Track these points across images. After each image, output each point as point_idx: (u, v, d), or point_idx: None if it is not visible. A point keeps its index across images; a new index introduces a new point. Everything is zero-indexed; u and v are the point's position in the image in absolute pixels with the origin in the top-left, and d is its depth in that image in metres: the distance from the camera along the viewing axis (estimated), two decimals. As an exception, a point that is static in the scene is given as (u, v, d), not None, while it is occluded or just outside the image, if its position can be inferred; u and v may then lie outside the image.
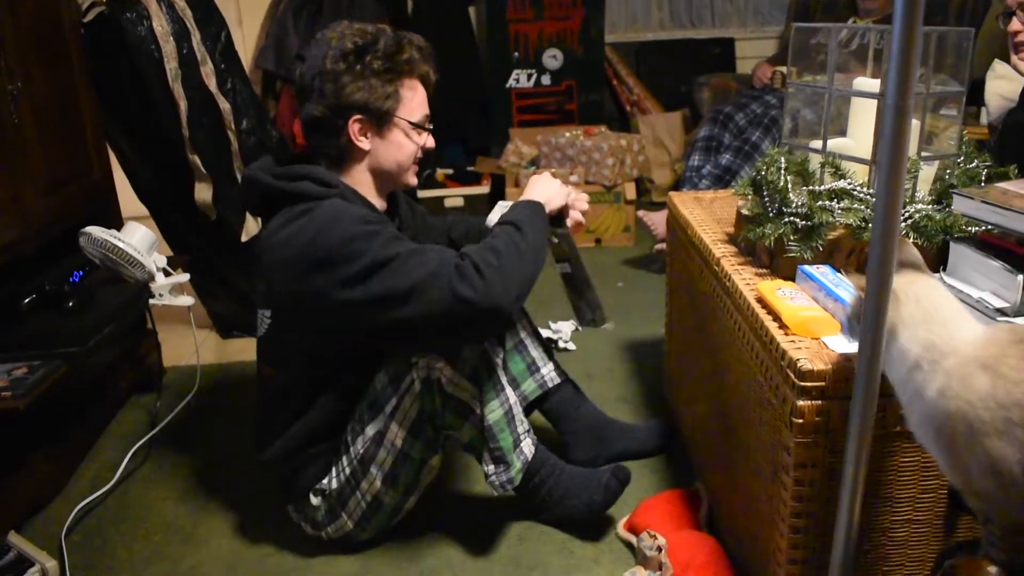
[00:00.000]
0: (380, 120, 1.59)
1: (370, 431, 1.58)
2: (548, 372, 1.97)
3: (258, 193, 1.61)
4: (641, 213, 3.36)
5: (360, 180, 1.64)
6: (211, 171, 2.41)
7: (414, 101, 1.63)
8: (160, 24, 2.27)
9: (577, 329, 2.79)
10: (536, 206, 1.66)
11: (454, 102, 4.26)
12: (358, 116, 1.57)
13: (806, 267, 1.42)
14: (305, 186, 1.56)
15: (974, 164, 1.60)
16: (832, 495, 1.23)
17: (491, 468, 1.65)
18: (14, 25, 1.92)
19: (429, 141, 1.68)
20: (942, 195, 1.52)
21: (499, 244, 1.51)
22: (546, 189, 1.73)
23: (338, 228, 1.48)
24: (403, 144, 1.63)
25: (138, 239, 2.07)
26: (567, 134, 3.89)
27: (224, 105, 2.41)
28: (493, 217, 1.72)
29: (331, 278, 1.47)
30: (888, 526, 1.29)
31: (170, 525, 1.89)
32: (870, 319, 1.00)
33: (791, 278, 1.46)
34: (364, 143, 1.60)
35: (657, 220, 3.21)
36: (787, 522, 1.26)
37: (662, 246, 3.11)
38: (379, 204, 1.67)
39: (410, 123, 1.62)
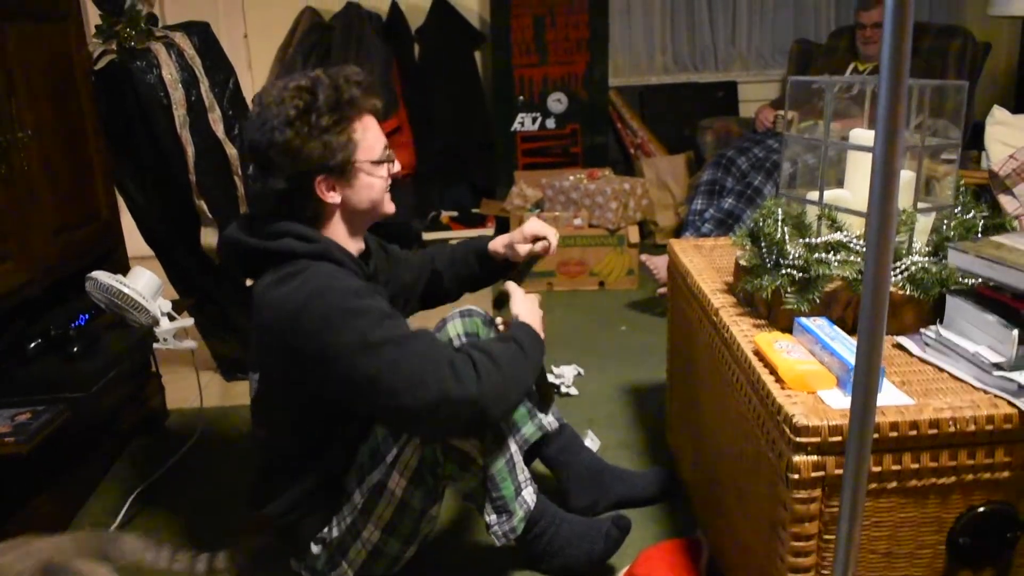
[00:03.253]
0: (343, 171, 1.55)
1: (370, 481, 1.58)
2: (548, 417, 1.97)
3: (239, 255, 1.59)
4: (644, 257, 3.38)
5: (337, 231, 1.61)
6: (217, 216, 2.44)
7: (369, 138, 1.58)
8: (169, 72, 2.31)
9: (579, 374, 2.80)
10: (535, 336, 1.62)
11: (460, 145, 4.32)
12: (321, 176, 1.54)
13: (803, 320, 1.43)
14: (287, 243, 1.53)
15: (971, 215, 1.62)
16: (830, 549, 1.23)
17: (493, 518, 1.65)
18: (25, 73, 1.96)
19: (395, 167, 1.66)
20: (939, 247, 1.54)
21: (499, 352, 1.49)
22: (532, 313, 1.69)
23: (330, 297, 1.45)
24: (372, 183, 1.60)
25: (143, 284, 2.09)
26: (571, 177, 3.92)
27: (231, 151, 2.44)
28: (514, 306, 1.72)
29: (319, 352, 1.45)
30: (886, 582, 1.29)
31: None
32: (862, 374, 1.00)
33: (789, 329, 1.47)
34: (334, 196, 1.57)
35: (660, 264, 3.22)
36: (785, 577, 1.26)
37: (665, 290, 3.13)
38: (356, 248, 1.65)
39: (372, 162, 1.59)
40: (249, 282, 2.54)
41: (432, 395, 1.40)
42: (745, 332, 1.50)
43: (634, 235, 3.77)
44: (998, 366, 1.29)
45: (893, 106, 0.87)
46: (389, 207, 1.67)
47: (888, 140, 0.87)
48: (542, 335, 1.65)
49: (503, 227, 4.05)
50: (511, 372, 1.49)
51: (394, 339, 1.43)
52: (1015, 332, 1.27)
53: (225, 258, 1.68)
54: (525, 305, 1.70)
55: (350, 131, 1.55)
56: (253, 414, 1.70)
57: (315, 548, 1.65)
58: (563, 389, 2.67)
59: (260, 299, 1.54)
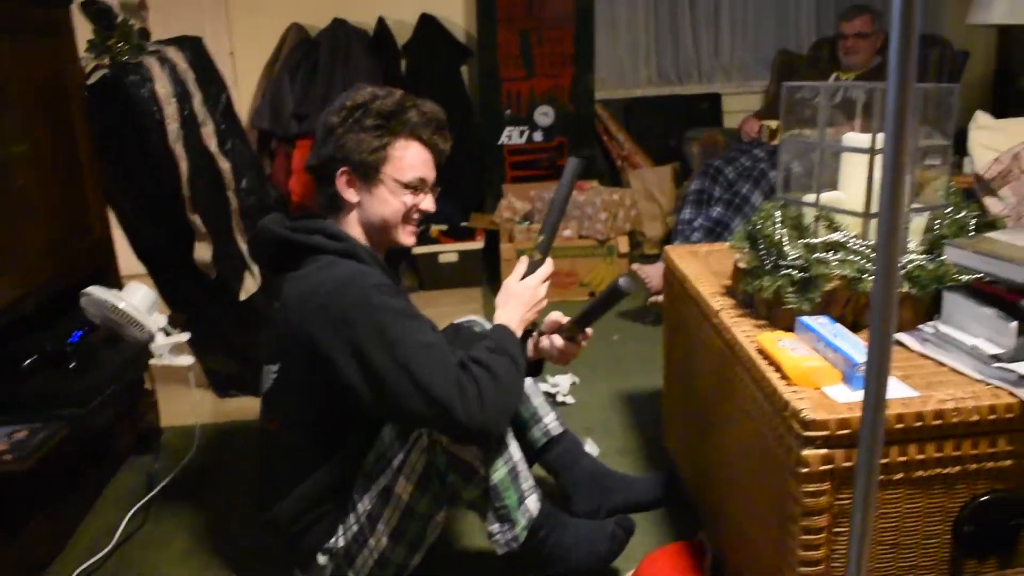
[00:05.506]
0: (366, 174, 1.65)
1: (377, 487, 1.58)
2: (551, 421, 1.99)
3: (272, 244, 1.66)
4: (635, 266, 3.39)
5: (355, 233, 1.69)
6: (211, 230, 2.43)
7: (405, 161, 1.66)
8: (162, 86, 2.31)
9: (575, 383, 2.80)
10: (516, 341, 1.64)
11: (448, 159, 4.32)
12: (344, 168, 1.64)
13: (804, 318, 1.44)
14: (318, 239, 1.61)
15: (962, 214, 1.64)
16: (837, 541, 1.24)
17: (496, 527, 1.64)
18: (19, 87, 1.96)
19: (425, 203, 1.70)
20: (934, 245, 1.56)
21: (500, 370, 1.51)
22: (519, 307, 1.68)
23: (355, 290, 1.51)
24: (388, 201, 1.66)
25: (139, 299, 2.09)
26: (559, 189, 3.93)
27: (224, 165, 2.44)
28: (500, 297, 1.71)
29: (339, 342, 1.50)
30: (894, 572, 1.30)
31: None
32: (874, 367, 1.01)
33: (789, 329, 1.48)
34: (351, 195, 1.66)
35: (652, 273, 3.24)
36: (796, 570, 1.27)
37: (657, 299, 3.14)
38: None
39: (396, 181, 1.66)
40: (243, 297, 2.54)
41: (438, 407, 1.45)
42: (747, 332, 1.52)
43: (623, 245, 3.79)
44: (996, 358, 1.31)
45: (901, 109, 0.89)
46: (405, 238, 1.72)
47: (897, 141, 0.89)
48: (532, 313, 1.70)
49: (493, 239, 4.06)
50: (507, 391, 1.52)
51: (410, 342, 1.48)
52: (1014, 324, 1.30)
53: (256, 246, 1.76)
54: (513, 301, 1.69)
55: (387, 142, 1.65)
56: (264, 408, 1.71)
57: (321, 559, 1.65)
58: (559, 398, 2.68)
59: (289, 289, 1.61)
